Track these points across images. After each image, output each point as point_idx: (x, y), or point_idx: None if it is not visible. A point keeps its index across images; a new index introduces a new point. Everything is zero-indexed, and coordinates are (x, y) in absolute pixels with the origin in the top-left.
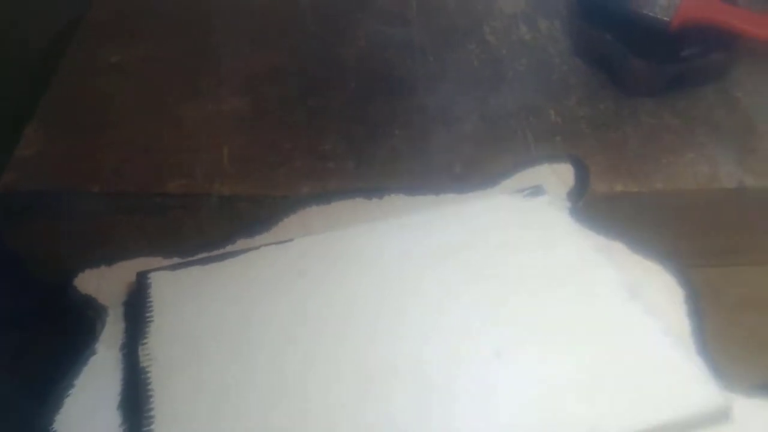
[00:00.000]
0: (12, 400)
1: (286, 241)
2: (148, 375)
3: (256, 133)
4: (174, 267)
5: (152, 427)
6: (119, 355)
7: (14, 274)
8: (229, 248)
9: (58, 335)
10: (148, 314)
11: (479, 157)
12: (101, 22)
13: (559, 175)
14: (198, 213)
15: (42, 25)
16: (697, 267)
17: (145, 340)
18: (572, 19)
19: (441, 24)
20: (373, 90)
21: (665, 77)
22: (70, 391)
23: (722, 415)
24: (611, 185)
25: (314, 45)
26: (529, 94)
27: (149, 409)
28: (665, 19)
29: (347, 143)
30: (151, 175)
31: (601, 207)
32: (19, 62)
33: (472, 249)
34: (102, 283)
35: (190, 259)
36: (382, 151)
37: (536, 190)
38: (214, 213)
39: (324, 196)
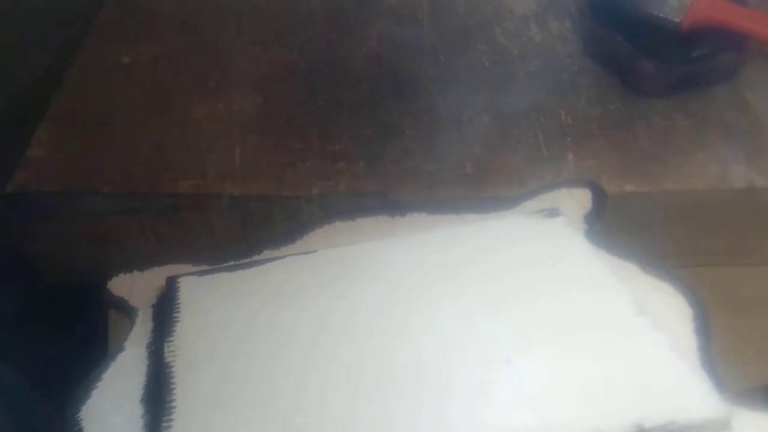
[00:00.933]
0: (28, 396)
1: (310, 252)
2: (172, 369)
3: (266, 133)
4: (202, 272)
5: (173, 416)
6: (145, 353)
7: (24, 274)
8: (255, 257)
9: (66, 337)
10: (175, 314)
11: (490, 156)
12: (112, 22)
13: (576, 199)
14: (209, 213)
15: (52, 26)
16: (707, 266)
17: (170, 338)
18: (583, 19)
19: (452, 24)
20: (383, 90)
21: (675, 78)
22: (97, 384)
23: (721, 426)
24: (621, 185)
25: (324, 45)
26: (540, 94)
27: (170, 401)
28: (675, 20)
29: (358, 143)
30: (161, 175)
31: (611, 207)
32: (30, 63)
33: (491, 264)
34: (134, 287)
35: (218, 266)
36: (393, 150)
37: (553, 212)
38: (225, 213)
39: (348, 214)
